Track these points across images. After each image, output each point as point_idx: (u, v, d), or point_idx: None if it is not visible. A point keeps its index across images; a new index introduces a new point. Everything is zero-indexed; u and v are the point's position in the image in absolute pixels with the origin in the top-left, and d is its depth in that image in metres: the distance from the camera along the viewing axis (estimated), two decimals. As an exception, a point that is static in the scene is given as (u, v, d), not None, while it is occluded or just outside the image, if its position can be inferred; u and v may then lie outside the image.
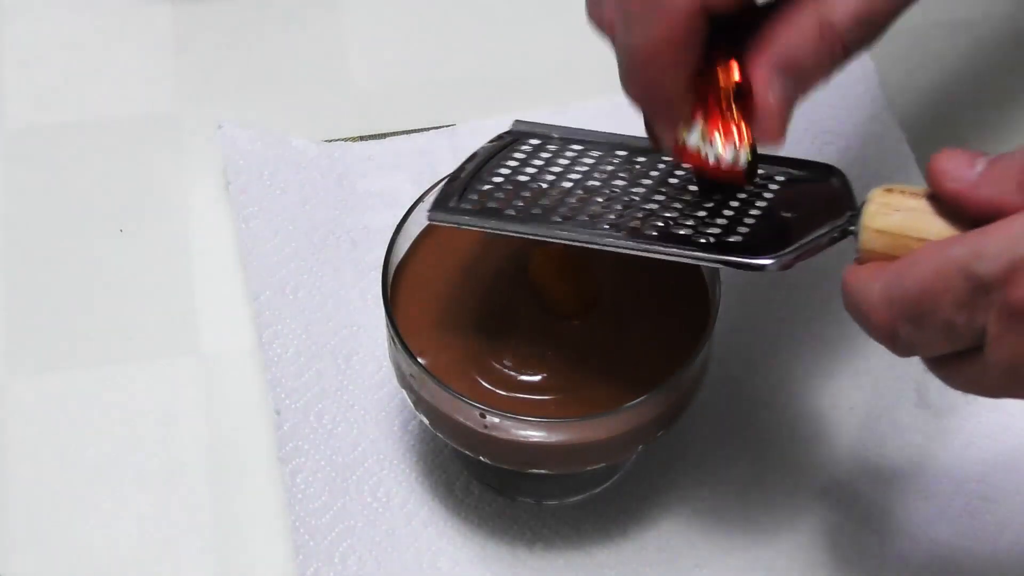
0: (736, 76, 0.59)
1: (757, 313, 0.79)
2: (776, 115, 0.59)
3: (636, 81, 0.61)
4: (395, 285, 0.71)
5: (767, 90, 0.59)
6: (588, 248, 0.64)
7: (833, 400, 0.76)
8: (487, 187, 0.67)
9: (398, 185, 0.84)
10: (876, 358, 0.77)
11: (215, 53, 0.91)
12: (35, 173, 0.86)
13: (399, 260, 0.72)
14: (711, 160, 0.60)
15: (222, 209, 0.84)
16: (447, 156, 0.83)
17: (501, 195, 0.66)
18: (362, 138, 0.87)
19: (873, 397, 0.76)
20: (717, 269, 0.68)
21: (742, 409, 0.76)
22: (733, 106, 0.59)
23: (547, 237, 0.65)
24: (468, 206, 0.66)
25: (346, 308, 0.80)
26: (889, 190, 0.59)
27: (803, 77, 0.60)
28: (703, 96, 0.60)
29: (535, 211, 0.65)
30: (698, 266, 0.70)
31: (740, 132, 0.59)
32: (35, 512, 0.74)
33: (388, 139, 0.86)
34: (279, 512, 0.74)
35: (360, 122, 0.87)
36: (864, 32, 0.60)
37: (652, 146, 0.63)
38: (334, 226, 0.83)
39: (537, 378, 0.69)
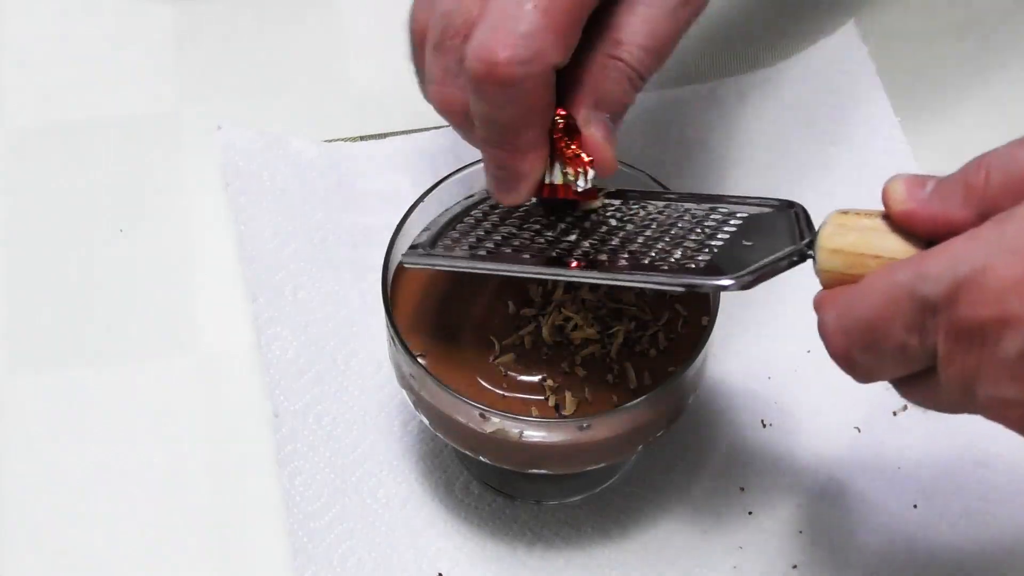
0: (567, 117, 0.67)
1: (757, 313, 0.79)
2: (601, 146, 0.67)
3: (508, 143, 0.66)
4: (395, 285, 0.71)
5: (589, 127, 0.67)
6: (558, 280, 0.69)
7: (834, 400, 0.76)
8: (457, 234, 0.70)
9: (398, 185, 0.84)
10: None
11: (215, 53, 0.91)
12: (35, 173, 0.86)
13: (399, 260, 0.72)
14: (573, 187, 0.67)
15: (222, 209, 0.84)
16: (447, 156, 0.83)
17: (472, 239, 0.69)
18: (362, 138, 0.87)
19: (873, 397, 0.76)
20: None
21: (742, 408, 0.77)
22: (573, 142, 0.67)
23: (519, 273, 0.68)
24: (440, 250, 0.69)
25: (346, 308, 0.80)
26: (844, 212, 0.61)
27: (614, 109, 0.67)
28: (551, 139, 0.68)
29: (505, 250, 0.68)
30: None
31: (582, 161, 0.67)
32: (35, 512, 0.74)
33: (388, 139, 0.86)
34: (278, 514, 0.74)
35: (360, 122, 0.87)
36: (654, 60, 0.67)
37: (497, 198, 0.68)
38: (334, 226, 0.83)
39: (537, 378, 0.69)
